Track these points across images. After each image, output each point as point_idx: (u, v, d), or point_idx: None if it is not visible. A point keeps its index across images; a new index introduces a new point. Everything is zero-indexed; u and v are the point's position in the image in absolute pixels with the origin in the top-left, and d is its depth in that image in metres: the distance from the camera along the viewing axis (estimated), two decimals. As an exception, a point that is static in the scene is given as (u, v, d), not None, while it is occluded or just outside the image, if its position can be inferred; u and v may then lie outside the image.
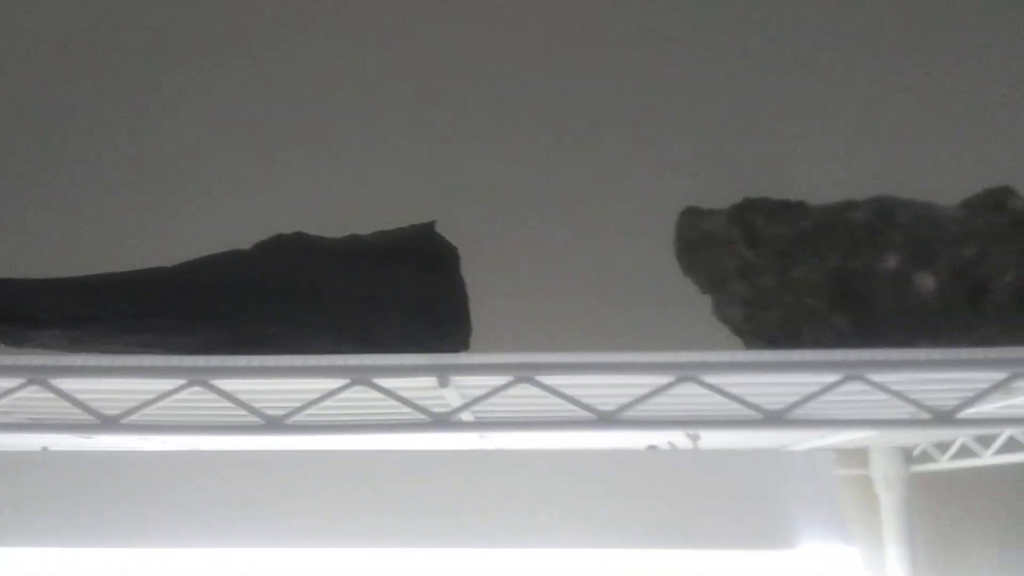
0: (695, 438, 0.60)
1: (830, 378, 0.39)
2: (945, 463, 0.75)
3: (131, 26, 0.88)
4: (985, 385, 0.39)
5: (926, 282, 0.42)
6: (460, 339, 0.57)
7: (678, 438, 0.62)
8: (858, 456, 0.83)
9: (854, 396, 0.41)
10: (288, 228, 0.56)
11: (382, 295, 0.55)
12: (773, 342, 0.47)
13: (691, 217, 0.49)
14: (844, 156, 0.87)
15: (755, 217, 0.46)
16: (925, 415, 0.39)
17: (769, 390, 0.43)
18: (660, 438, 0.63)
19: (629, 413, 0.37)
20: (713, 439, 0.64)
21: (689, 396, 0.41)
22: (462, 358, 0.39)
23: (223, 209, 0.82)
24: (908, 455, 0.81)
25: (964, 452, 0.73)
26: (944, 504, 0.81)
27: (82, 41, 0.87)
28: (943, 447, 0.76)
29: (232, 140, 0.87)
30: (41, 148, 0.84)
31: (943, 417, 0.39)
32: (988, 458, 0.68)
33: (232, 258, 0.54)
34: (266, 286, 0.54)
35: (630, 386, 0.40)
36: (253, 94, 0.89)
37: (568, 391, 0.39)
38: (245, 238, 0.54)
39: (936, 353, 0.38)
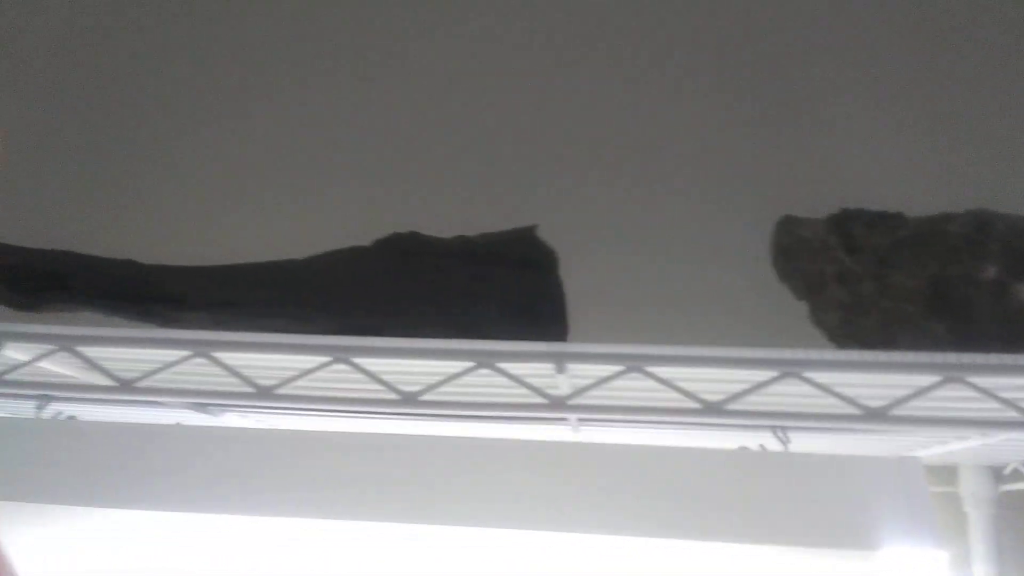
0: (786, 442, 0.62)
1: (930, 379, 0.40)
2: (1037, 482, 0.74)
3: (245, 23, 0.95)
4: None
5: (1025, 292, 0.43)
6: (557, 334, 0.61)
7: (768, 441, 0.63)
8: (947, 474, 0.83)
9: (951, 402, 0.42)
10: (398, 227, 0.60)
11: (486, 291, 0.59)
12: (870, 347, 0.49)
13: (788, 225, 0.51)
14: (938, 170, 0.86)
15: (854, 226, 0.48)
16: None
17: (865, 392, 0.45)
18: (756, 436, 0.64)
19: (733, 406, 0.40)
20: (802, 444, 0.65)
21: (787, 395, 0.43)
22: (578, 347, 0.43)
23: (336, 206, 0.88)
24: (998, 474, 0.80)
25: (1059, 472, 0.72)
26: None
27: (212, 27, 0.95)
28: (1036, 466, 0.75)
29: (342, 148, 0.93)
30: (175, 141, 0.92)
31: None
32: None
33: (353, 254, 0.59)
34: (383, 279, 0.59)
35: (729, 381, 0.43)
36: (373, 109, 0.94)
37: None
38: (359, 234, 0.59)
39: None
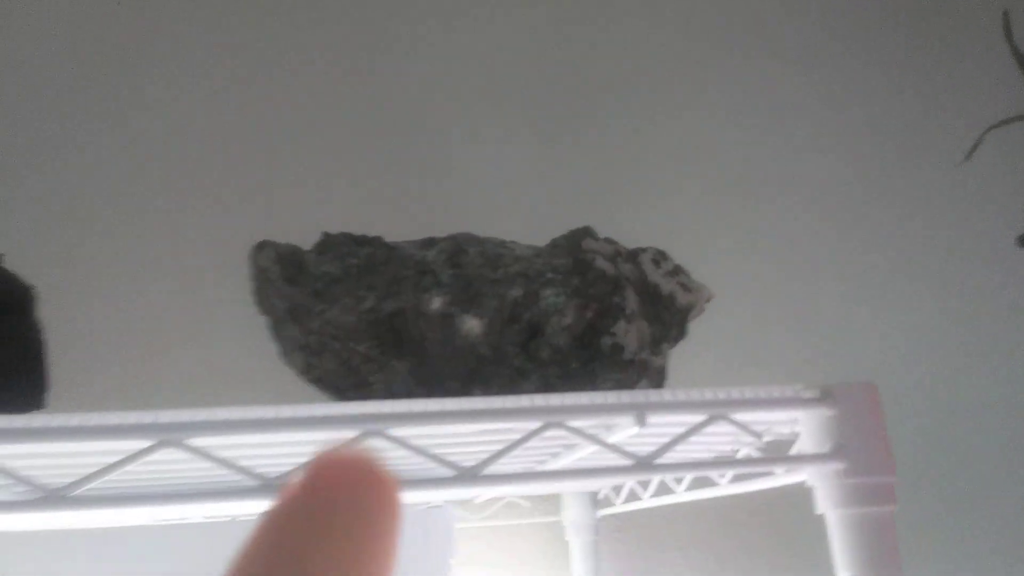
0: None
1: (350, 433, 0.34)
2: (620, 506, 0.75)
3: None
4: (518, 435, 0.36)
5: (472, 325, 0.39)
6: (35, 395, 0.49)
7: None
8: (552, 503, 0.82)
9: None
10: None
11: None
12: (342, 392, 0.42)
13: (255, 252, 0.43)
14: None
15: (312, 253, 0.41)
16: (449, 472, 0.35)
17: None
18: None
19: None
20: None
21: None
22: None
23: None
24: (596, 500, 0.80)
25: (632, 496, 0.72)
26: (631, 544, 0.81)
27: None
28: (618, 490, 0.75)
29: None
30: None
31: (468, 474, 0.35)
32: (645, 501, 0.68)
33: None
34: None
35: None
36: None
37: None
38: None
39: (453, 404, 0.35)
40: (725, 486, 0.56)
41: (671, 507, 0.79)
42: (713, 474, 0.56)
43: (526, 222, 0.88)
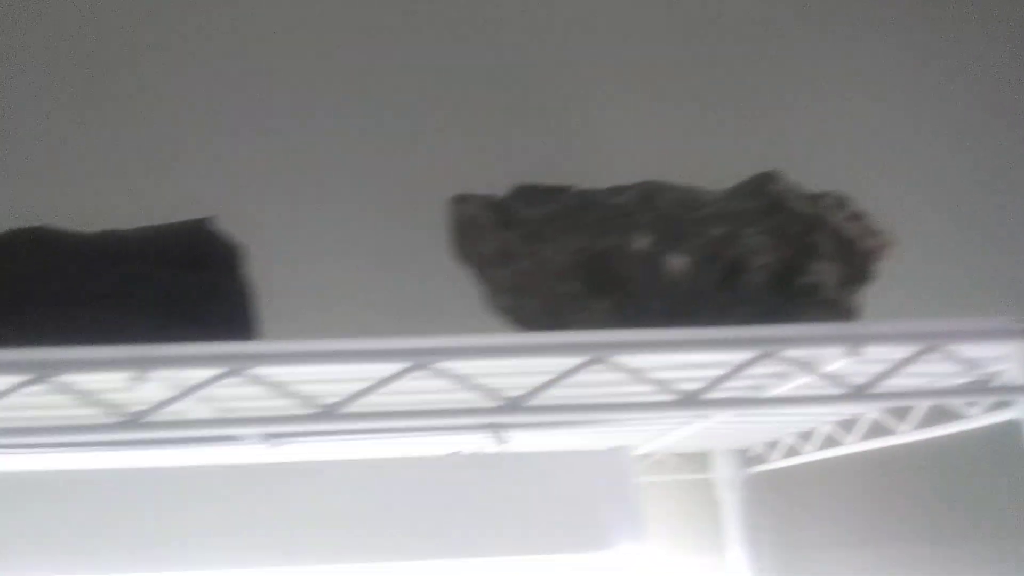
0: (503, 441, 0.57)
1: (575, 361, 0.36)
2: (775, 463, 0.75)
3: None
4: (723, 370, 0.37)
5: (677, 263, 0.40)
6: (237, 336, 0.53)
7: (485, 442, 0.59)
8: (700, 460, 0.82)
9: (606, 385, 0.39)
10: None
11: (139, 294, 0.50)
12: (540, 329, 0.45)
13: (457, 203, 0.46)
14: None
15: (513, 201, 0.44)
16: (671, 396, 0.36)
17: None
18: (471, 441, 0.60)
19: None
20: (525, 441, 0.61)
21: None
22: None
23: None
24: (746, 457, 0.80)
25: (791, 452, 0.72)
26: (784, 502, 0.81)
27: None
28: (772, 445, 0.75)
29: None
30: None
31: (690, 399, 0.37)
32: (808, 455, 0.68)
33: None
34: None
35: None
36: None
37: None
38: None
39: (680, 333, 0.36)
40: (904, 434, 0.56)
41: (825, 464, 0.78)
42: (893, 421, 0.56)
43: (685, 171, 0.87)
